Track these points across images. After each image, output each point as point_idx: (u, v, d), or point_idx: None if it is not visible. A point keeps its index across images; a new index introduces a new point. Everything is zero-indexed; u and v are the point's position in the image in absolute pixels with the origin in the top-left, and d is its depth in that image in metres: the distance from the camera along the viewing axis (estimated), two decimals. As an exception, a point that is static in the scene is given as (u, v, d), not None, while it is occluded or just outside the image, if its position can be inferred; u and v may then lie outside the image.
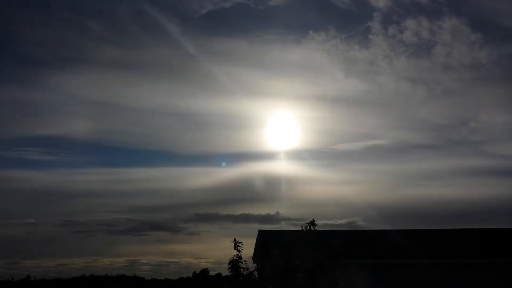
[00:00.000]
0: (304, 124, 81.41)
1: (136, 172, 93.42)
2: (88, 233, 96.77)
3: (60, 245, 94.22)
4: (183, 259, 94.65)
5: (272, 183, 71.53)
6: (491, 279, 22.86)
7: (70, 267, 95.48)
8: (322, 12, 78.30)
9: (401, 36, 70.91)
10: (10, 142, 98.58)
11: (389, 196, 66.59)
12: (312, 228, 14.67)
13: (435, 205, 56.15)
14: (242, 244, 14.28)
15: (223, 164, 77.57)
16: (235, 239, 14.21)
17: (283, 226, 46.17)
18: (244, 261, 14.20)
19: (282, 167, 71.62)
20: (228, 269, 14.21)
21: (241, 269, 14.04)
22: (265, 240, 24.58)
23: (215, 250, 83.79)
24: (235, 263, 14.04)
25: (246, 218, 70.31)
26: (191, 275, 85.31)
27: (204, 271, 79.78)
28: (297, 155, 77.00)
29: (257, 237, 25.86)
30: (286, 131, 74.50)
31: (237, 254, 14.09)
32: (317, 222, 14.83)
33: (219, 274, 57.35)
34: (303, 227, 14.74)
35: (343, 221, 47.21)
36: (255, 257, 20.36)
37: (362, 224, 41.94)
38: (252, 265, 14.67)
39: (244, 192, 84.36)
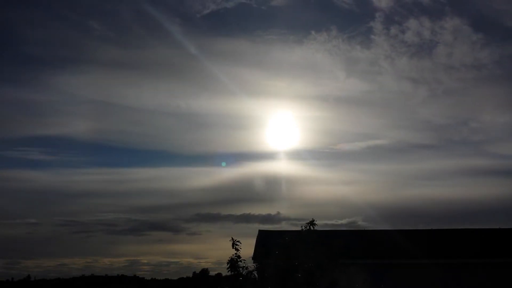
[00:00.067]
0: (305, 124, 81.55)
1: (136, 172, 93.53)
2: (89, 233, 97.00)
3: (60, 245, 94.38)
4: (184, 259, 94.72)
5: (273, 183, 71.60)
6: (491, 279, 22.85)
7: (70, 267, 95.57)
8: (324, 12, 78.39)
9: (403, 36, 71.02)
10: (11, 142, 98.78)
11: (390, 196, 66.63)
12: (312, 228, 14.64)
13: (435, 205, 56.23)
14: (240, 243, 14.25)
15: (223, 164, 77.52)
16: (233, 238, 14.18)
17: (284, 226, 46.19)
18: (243, 260, 14.17)
19: (283, 167, 71.65)
20: (227, 268, 14.17)
21: (240, 269, 14.01)
22: (265, 240, 24.59)
23: (215, 250, 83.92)
24: (233, 262, 14.00)
25: (247, 218, 70.37)
26: (191, 275, 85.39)
27: (204, 271, 79.86)
28: (297, 155, 77.00)
29: (257, 237, 25.85)
30: (287, 131, 74.53)
31: (235, 253, 14.07)
32: (318, 222, 14.80)
33: (219, 274, 57.39)
34: (303, 227, 14.72)
35: (343, 221, 47.30)
36: (255, 257, 20.39)
37: (363, 224, 41.99)
38: (252, 265, 14.64)
39: (245, 192, 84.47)
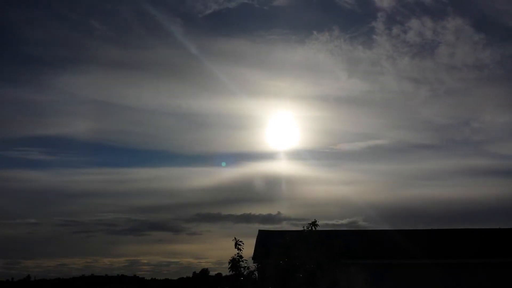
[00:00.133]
0: (306, 124, 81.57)
1: (137, 172, 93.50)
2: (89, 233, 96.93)
3: (60, 245, 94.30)
4: (184, 259, 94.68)
5: (274, 183, 71.64)
6: (491, 279, 22.87)
7: (70, 267, 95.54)
8: (326, 12, 78.36)
9: (405, 36, 71.08)
10: (11, 142, 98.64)
11: (390, 196, 66.68)
12: (313, 228, 14.68)
13: (437, 205, 56.27)
14: (243, 243, 14.27)
15: (223, 164, 77.53)
16: (235, 238, 14.20)
17: (284, 226, 46.26)
18: (245, 260, 14.19)
19: (283, 167, 71.68)
20: (228, 268, 14.20)
21: (242, 269, 14.03)
22: (265, 240, 24.60)
23: (215, 250, 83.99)
24: (235, 262, 14.03)
25: (247, 218, 70.37)
26: (191, 275, 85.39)
27: (204, 271, 79.85)
28: (298, 155, 77.01)
29: (257, 237, 25.86)
30: (287, 131, 74.56)
31: (237, 253, 14.08)
32: (318, 222, 14.85)
33: (219, 274, 57.40)
34: (305, 227, 14.75)
35: (344, 221, 47.33)
36: (255, 257, 20.37)
37: (363, 224, 41.99)
38: (252, 265, 14.66)
39: (245, 192, 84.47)
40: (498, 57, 74.02)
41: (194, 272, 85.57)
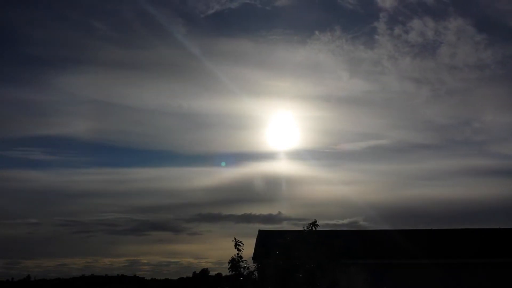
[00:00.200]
0: (307, 124, 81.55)
1: (137, 172, 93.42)
2: (89, 233, 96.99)
3: (61, 245, 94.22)
4: (184, 259, 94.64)
5: (274, 183, 71.65)
6: (491, 279, 22.88)
7: (70, 267, 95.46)
8: (328, 12, 78.36)
9: (407, 36, 71.14)
10: (11, 142, 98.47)
11: (392, 196, 66.69)
12: (313, 228, 14.67)
13: (437, 205, 56.29)
14: (243, 244, 14.27)
15: (223, 164, 77.50)
16: (235, 238, 14.20)
17: (285, 226, 46.25)
18: (245, 260, 14.18)
19: (284, 167, 71.66)
20: (228, 268, 14.19)
21: (241, 269, 14.03)
22: (265, 240, 24.61)
23: (216, 250, 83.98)
24: (235, 262, 14.02)
25: (248, 218, 70.37)
26: (191, 275, 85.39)
27: (204, 271, 79.86)
28: (299, 155, 77.03)
29: (257, 237, 25.87)
30: (289, 131, 74.59)
31: (237, 254, 14.08)
32: (319, 222, 14.84)
33: (219, 274, 57.40)
34: (305, 227, 14.75)
35: (344, 221, 47.39)
36: (255, 257, 20.39)
37: (364, 224, 42.01)
38: (252, 265, 14.65)
39: (246, 192, 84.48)
40: (500, 57, 74.15)
41: (194, 272, 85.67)
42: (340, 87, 76.67)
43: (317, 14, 76.32)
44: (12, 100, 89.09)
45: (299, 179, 69.72)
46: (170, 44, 79.86)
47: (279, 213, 58.75)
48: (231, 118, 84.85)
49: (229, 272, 14.12)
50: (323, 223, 15.99)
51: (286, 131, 74.28)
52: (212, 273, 74.41)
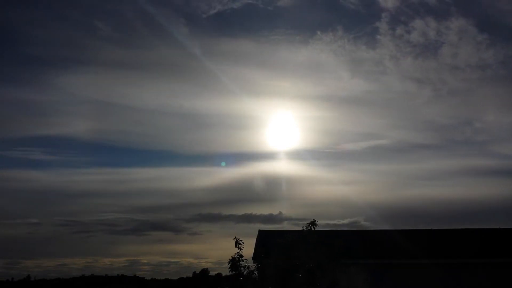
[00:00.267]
0: (308, 124, 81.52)
1: (137, 172, 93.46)
2: (89, 233, 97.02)
3: (61, 245, 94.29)
4: (184, 259, 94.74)
5: (275, 183, 71.69)
6: (491, 279, 22.86)
7: (70, 267, 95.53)
8: (331, 12, 78.33)
9: (409, 36, 71.21)
10: (12, 142, 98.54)
11: (392, 196, 66.69)
12: (313, 228, 14.67)
13: (438, 205, 56.30)
14: (243, 242, 14.28)
15: (223, 163, 77.52)
16: (235, 237, 14.21)
17: (286, 226, 46.24)
18: (245, 259, 14.19)
19: (285, 167, 71.66)
20: (228, 268, 14.20)
21: (242, 268, 14.03)
22: (265, 240, 24.59)
23: (216, 250, 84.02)
24: (235, 262, 14.02)
25: (248, 218, 70.38)
26: (191, 275, 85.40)
27: (204, 271, 79.87)
28: (300, 155, 76.95)
29: (257, 237, 25.85)
30: (290, 131, 74.66)
31: (237, 253, 14.09)
32: (319, 222, 14.87)
33: (219, 274, 57.40)
34: (304, 228, 14.75)
35: (345, 221, 47.41)
36: (255, 257, 20.37)
37: (365, 224, 42.01)
38: (252, 265, 14.66)
39: (247, 192, 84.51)
40: (501, 57, 74.23)
41: (194, 272, 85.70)
42: (341, 87, 76.73)
43: (319, 14, 76.49)
44: (12, 100, 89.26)
45: (299, 179, 69.79)
46: (171, 44, 79.89)
47: (280, 213, 58.74)
48: (232, 118, 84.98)
49: (229, 271, 14.14)
50: (324, 223, 16.05)
51: (286, 131, 74.40)
52: (212, 273, 74.53)
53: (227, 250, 14.55)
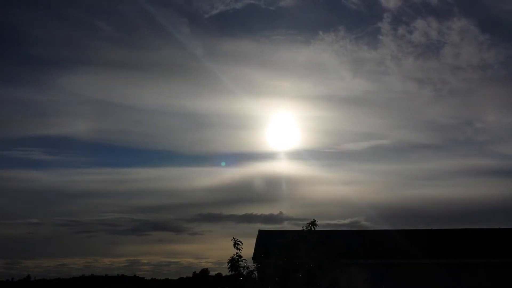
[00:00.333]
0: (310, 124, 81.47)
1: (138, 172, 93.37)
2: (90, 233, 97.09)
3: (61, 245, 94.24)
4: (184, 259, 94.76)
5: (276, 183, 71.87)
6: (491, 279, 22.85)
7: (71, 267, 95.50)
8: (333, 13, 78.31)
9: (410, 36, 71.17)
10: (12, 142, 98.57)
11: (393, 196, 66.65)
12: (313, 228, 14.64)
13: (439, 205, 56.26)
14: (242, 243, 14.25)
15: (223, 163, 77.50)
16: (234, 238, 14.19)
17: (286, 226, 46.17)
18: (244, 260, 14.16)
19: (286, 167, 71.60)
20: (228, 268, 14.17)
21: (241, 268, 14.00)
22: (265, 240, 24.58)
23: (216, 250, 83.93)
24: (234, 262, 13.99)
25: (249, 218, 70.39)
26: (191, 275, 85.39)
27: (204, 271, 79.87)
28: (301, 155, 76.93)
29: (257, 237, 25.83)
30: (291, 131, 74.65)
31: (236, 253, 14.06)
32: (320, 222, 14.84)
33: (219, 274, 57.40)
34: (304, 227, 14.73)
35: (346, 221, 47.43)
36: (255, 257, 20.35)
37: (366, 224, 41.99)
38: (252, 265, 14.63)
39: (247, 192, 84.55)
40: (503, 57, 74.39)
41: (194, 272, 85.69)
42: (343, 87, 76.67)
43: (321, 14, 76.48)
44: (12, 100, 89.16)
45: (300, 179, 69.78)
46: (172, 44, 79.77)
47: (281, 213, 58.64)
48: (232, 118, 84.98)
49: (229, 272, 14.11)
50: (324, 223, 16.03)
51: (287, 131, 74.34)
52: (212, 273, 74.53)
53: (227, 250, 14.52)
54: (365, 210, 49.41)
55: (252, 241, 25.26)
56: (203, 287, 59.91)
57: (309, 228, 14.67)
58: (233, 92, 74.53)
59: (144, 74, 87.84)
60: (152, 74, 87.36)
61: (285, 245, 14.05)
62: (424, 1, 69.74)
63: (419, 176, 73.11)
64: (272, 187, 73.54)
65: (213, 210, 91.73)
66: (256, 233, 26.40)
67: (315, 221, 14.75)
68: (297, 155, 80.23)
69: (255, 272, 14.40)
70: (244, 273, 14.07)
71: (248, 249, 14.88)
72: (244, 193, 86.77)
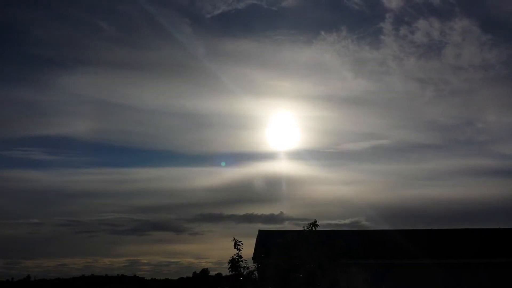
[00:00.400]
0: (311, 124, 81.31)
1: (138, 172, 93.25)
2: (91, 233, 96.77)
3: (61, 245, 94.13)
4: (184, 259, 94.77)
5: (276, 183, 71.69)
6: (491, 279, 22.84)
7: (71, 267, 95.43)
8: (335, 13, 78.21)
9: (412, 37, 71.14)
10: (12, 142, 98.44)
11: (394, 196, 66.58)
12: (313, 228, 14.64)
13: (440, 205, 56.21)
14: (242, 244, 14.25)
15: (223, 163, 77.49)
16: (234, 238, 14.19)
17: (287, 226, 46.18)
18: (244, 260, 14.16)
19: (287, 167, 71.56)
20: (228, 268, 14.17)
21: (241, 268, 14.00)
22: (265, 240, 24.57)
23: (216, 250, 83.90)
24: (234, 262, 14.00)
25: (249, 218, 70.37)
26: (191, 275, 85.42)
27: (204, 271, 79.89)
28: (302, 155, 76.75)
29: (257, 237, 25.82)
30: (292, 131, 74.65)
31: (237, 253, 14.06)
32: (321, 222, 14.86)
33: (219, 274, 57.41)
34: (305, 228, 14.72)
35: (347, 221, 47.40)
36: (255, 257, 20.33)
37: (366, 224, 41.96)
38: (252, 265, 14.64)
39: (248, 192, 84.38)
40: (504, 57, 74.26)
41: (194, 272, 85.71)
42: (344, 87, 76.58)
43: (323, 14, 76.36)
44: (12, 100, 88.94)
45: (301, 179, 69.78)
46: (173, 44, 79.56)
47: (281, 213, 58.59)
48: (233, 118, 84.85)
49: (229, 272, 14.11)
50: (325, 223, 16.03)
51: (288, 131, 74.36)
52: (213, 273, 74.51)
53: (228, 250, 14.52)
54: (365, 210, 49.45)
55: (253, 241, 25.26)
56: (203, 287, 59.92)
57: (310, 228, 14.67)
58: (233, 92, 74.55)
59: (145, 74, 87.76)
60: (153, 74, 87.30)
61: (285, 245, 14.05)
62: (426, 2, 69.71)
63: (419, 176, 73.11)
64: (273, 187, 73.61)
65: (214, 210, 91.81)
66: (257, 233, 26.40)
67: (316, 221, 14.75)
68: (298, 155, 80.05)
69: (255, 272, 14.40)
70: (244, 273, 14.07)
71: (248, 249, 14.88)
72: (245, 193, 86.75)
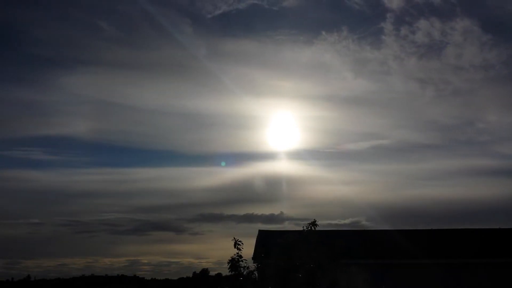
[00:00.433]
0: (311, 124, 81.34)
1: (138, 172, 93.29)
2: (91, 233, 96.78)
3: (61, 245, 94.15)
4: (184, 259, 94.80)
5: (276, 183, 71.81)
6: (491, 279, 22.86)
7: (71, 267, 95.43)
8: (336, 13, 78.31)
9: (413, 37, 71.30)
10: (12, 142, 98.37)
11: (394, 196, 66.57)
12: (313, 228, 14.65)
13: (440, 205, 56.22)
14: (242, 243, 14.25)
15: (223, 163, 77.50)
16: (234, 238, 14.20)
17: (287, 226, 46.27)
18: (244, 260, 14.16)
19: (287, 167, 71.58)
20: (228, 268, 14.18)
21: (241, 268, 14.01)
22: (265, 240, 24.59)
23: (216, 250, 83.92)
24: (234, 262, 14.00)
25: (250, 218, 70.43)
26: (191, 275, 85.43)
27: (204, 271, 79.91)
28: (303, 155, 76.76)
29: (257, 237, 25.84)
30: (292, 131, 74.67)
31: (237, 253, 14.07)
32: (321, 222, 14.87)
33: (219, 274, 57.43)
34: (305, 227, 14.74)
35: (347, 221, 47.44)
36: (255, 257, 20.34)
37: (366, 224, 42.02)
38: (252, 265, 14.64)
39: (248, 192, 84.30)
40: (505, 57, 74.37)
41: (194, 272, 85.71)
42: (345, 87, 76.66)
43: (324, 14, 76.43)
44: (13, 100, 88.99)
45: (301, 179, 69.78)
46: (173, 44, 79.58)
47: (281, 213, 58.63)
48: (233, 118, 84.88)
49: (229, 272, 14.11)
50: (325, 223, 16.06)
51: (288, 131, 74.39)
52: (213, 273, 74.54)
53: (228, 250, 14.52)
54: (365, 210, 49.46)
55: (253, 241, 25.28)
56: (203, 287, 59.93)
57: (310, 228, 14.68)
58: (234, 92, 74.58)
59: (145, 74, 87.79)
60: (153, 74, 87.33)
61: (285, 245, 14.05)
62: (427, 2, 69.84)
63: (419, 176, 73.10)
64: (273, 187, 73.66)
65: (214, 210, 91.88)
66: (257, 233, 26.42)
67: (315, 221, 14.76)
68: (298, 155, 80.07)
69: (255, 272, 14.40)
70: (244, 273, 14.08)
71: (248, 249, 14.88)
72: (245, 193, 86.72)
